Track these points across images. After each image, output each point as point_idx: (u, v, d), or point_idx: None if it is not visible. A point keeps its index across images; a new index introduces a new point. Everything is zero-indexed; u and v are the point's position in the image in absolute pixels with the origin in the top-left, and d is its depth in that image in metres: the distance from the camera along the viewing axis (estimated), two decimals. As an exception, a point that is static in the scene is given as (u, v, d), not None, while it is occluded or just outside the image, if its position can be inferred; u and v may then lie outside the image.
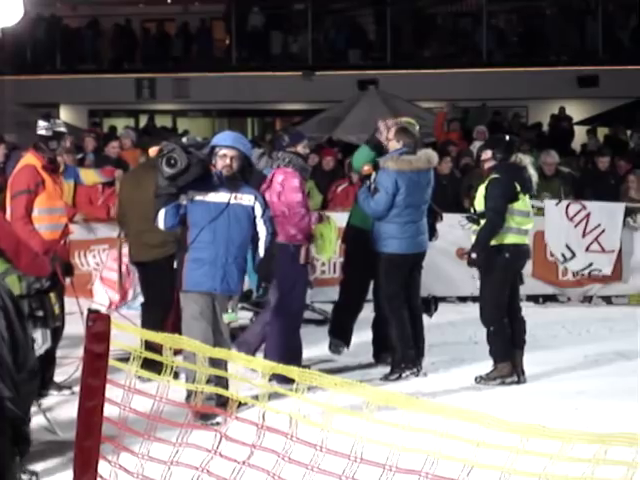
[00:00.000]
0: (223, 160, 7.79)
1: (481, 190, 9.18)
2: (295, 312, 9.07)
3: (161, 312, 8.82)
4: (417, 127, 9.72)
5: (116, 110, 30.25)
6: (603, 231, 13.12)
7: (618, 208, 13.24)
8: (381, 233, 9.23)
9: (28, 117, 18.87)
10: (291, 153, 9.01)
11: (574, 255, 13.15)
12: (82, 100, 28.60)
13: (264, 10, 28.38)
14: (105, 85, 27.64)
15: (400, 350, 9.23)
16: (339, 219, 9.97)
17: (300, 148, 9.08)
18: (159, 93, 28.57)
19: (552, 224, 13.15)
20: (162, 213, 7.73)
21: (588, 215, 13.15)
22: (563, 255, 13.17)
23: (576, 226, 13.17)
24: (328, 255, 9.51)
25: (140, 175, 9.27)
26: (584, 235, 13.16)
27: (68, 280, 8.51)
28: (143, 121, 28.85)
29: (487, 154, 9.27)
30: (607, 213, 13.19)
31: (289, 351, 8.74)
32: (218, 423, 6.92)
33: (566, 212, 13.20)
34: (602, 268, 13.07)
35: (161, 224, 7.80)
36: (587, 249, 13.14)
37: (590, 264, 13.08)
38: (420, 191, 9.26)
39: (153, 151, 8.77)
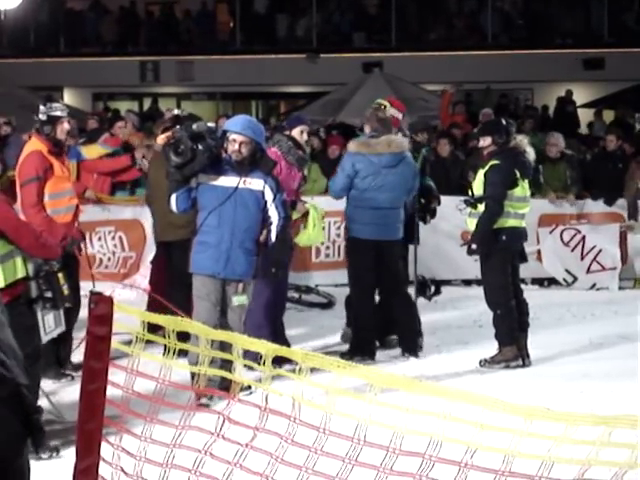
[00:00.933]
0: (232, 145, 7.80)
1: (480, 175, 9.14)
2: (280, 289, 9.09)
3: (186, 291, 8.74)
4: (390, 111, 9.67)
5: (120, 93, 30.20)
6: (600, 250, 12.96)
7: (613, 228, 13.08)
8: (348, 216, 9.37)
9: (32, 100, 18.83)
10: (284, 136, 9.00)
11: (576, 279, 13.02)
12: (86, 83, 28.55)
13: (268, -8, 28.31)
14: (109, 68, 27.59)
15: (354, 335, 9.30)
16: (341, 203, 9.90)
17: (296, 132, 9.03)
18: (163, 76, 28.51)
19: (548, 251, 13.02)
20: (174, 197, 7.83)
21: (583, 238, 13.00)
22: (565, 280, 13.05)
23: (573, 250, 13.01)
24: (306, 243, 9.43)
25: None
26: (582, 258, 13.01)
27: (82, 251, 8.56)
28: (147, 104, 28.80)
29: (487, 140, 9.19)
30: (602, 234, 13.03)
31: (274, 328, 8.76)
32: (211, 399, 7.13)
33: (561, 238, 13.06)
34: (608, 285, 12.92)
35: (174, 207, 7.90)
36: (588, 270, 12.99)
37: (594, 284, 12.96)
38: (383, 176, 9.17)
39: (161, 139, 8.76)
